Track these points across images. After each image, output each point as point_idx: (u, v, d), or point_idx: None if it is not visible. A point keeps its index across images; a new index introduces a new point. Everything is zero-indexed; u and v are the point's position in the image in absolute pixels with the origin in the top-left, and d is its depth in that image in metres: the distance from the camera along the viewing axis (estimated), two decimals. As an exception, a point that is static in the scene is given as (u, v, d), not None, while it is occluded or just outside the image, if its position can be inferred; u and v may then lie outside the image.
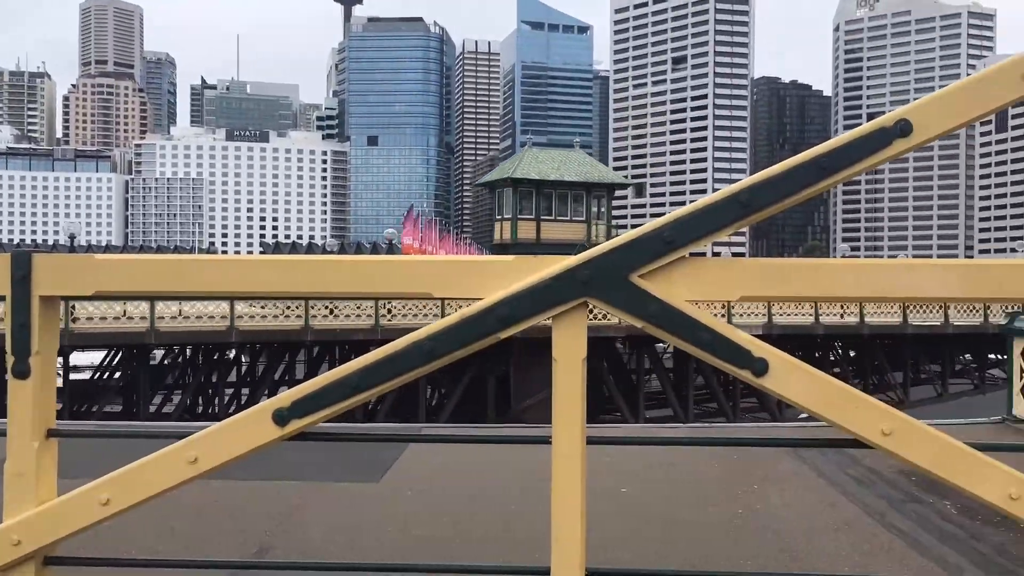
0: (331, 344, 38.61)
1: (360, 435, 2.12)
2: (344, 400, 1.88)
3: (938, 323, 43.10)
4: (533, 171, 52.25)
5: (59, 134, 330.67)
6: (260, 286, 1.97)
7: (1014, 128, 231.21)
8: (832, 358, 46.08)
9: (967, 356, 48.66)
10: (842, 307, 40.35)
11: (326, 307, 33.46)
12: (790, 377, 1.82)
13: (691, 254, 1.85)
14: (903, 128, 1.76)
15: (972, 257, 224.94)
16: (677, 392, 42.68)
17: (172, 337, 32.76)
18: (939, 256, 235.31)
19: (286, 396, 1.90)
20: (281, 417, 1.88)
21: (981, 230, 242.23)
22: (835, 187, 1.84)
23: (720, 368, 1.88)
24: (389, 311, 34.19)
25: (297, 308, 32.88)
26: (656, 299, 1.82)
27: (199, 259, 1.95)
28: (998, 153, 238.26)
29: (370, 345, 35.64)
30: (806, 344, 41.78)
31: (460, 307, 1.94)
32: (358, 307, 34.09)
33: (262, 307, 33.89)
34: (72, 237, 49.20)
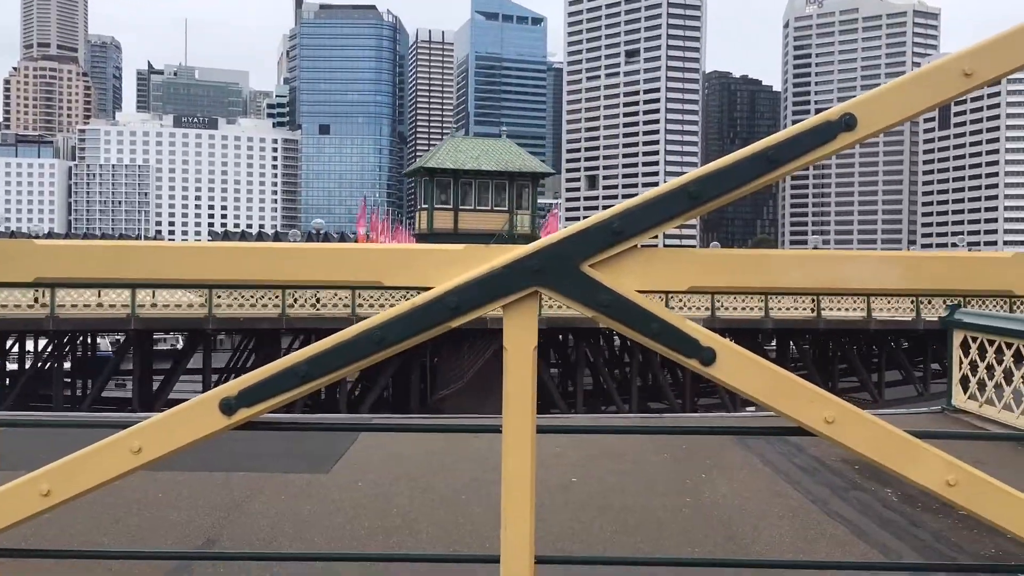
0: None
1: (308, 425, 2.09)
2: (293, 389, 1.86)
3: (908, 318, 40.71)
4: (449, 161, 51.57)
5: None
6: (205, 273, 1.94)
7: (956, 126, 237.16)
8: (791, 355, 45.33)
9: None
10: (797, 300, 40.12)
11: (304, 297, 33.28)
12: (737, 366, 1.85)
13: (644, 245, 1.87)
14: (848, 122, 1.79)
15: (915, 249, 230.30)
16: (622, 389, 42.02)
17: (152, 323, 32.67)
18: (883, 248, 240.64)
19: (233, 384, 1.87)
20: (228, 406, 1.86)
21: (924, 224, 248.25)
22: (783, 181, 1.87)
23: (669, 357, 1.89)
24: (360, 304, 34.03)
25: (275, 297, 32.65)
26: (606, 289, 1.83)
27: (143, 246, 1.91)
28: (941, 150, 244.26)
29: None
30: (754, 338, 39.97)
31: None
32: (335, 295, 33.92)
33: (240, 295, 33.62)
34: (8, 228, 47.81)
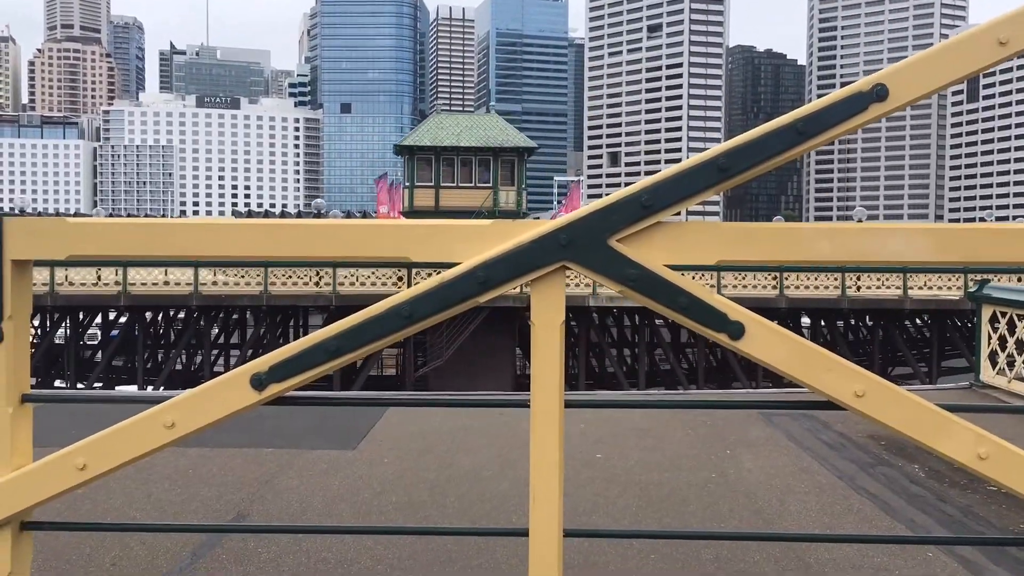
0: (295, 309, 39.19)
1: (337, 400, 2.12)
2: (322, 364, 1.88)
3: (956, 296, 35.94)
4: (427, 138, 50.80)
5: (24, 100, 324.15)
6: (236, 250, 1.96)
7: (985, 98, 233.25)
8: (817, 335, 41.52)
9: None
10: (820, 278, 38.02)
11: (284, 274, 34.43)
12: (765, 340, 1.84)
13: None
14: (879, 92, 1.77)
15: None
16: (629, 374, 40.83)
17: (138, 300, 34.28)
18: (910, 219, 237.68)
19: (263, 360, 1.90)
20: (259, 381, 1.88)
21: (951, 199, 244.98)
22: (808, 155, 1.85)
23: (697, 332, 1.89)
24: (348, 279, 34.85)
25: (257, 275, 34.03)
26: (634, 263, 1.83)
27: (174, 223, 1.93)
28: (969, 123, 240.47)
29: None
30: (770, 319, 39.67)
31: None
32: (317, 273, 34.81)
33: (224, 273, 35.08)
34: (22, 211, 48.79)
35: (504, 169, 51.38)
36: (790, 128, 1.80)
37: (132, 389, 35.08)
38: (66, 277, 32.92)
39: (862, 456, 6.59)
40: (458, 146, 50.65)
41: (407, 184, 51.61)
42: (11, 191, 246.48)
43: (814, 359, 1.84)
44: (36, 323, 35.72)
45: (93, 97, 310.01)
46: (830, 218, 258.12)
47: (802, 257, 1.89)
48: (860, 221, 66.62)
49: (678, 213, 1.90)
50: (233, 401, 1.90)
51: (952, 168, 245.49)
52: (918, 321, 42.22)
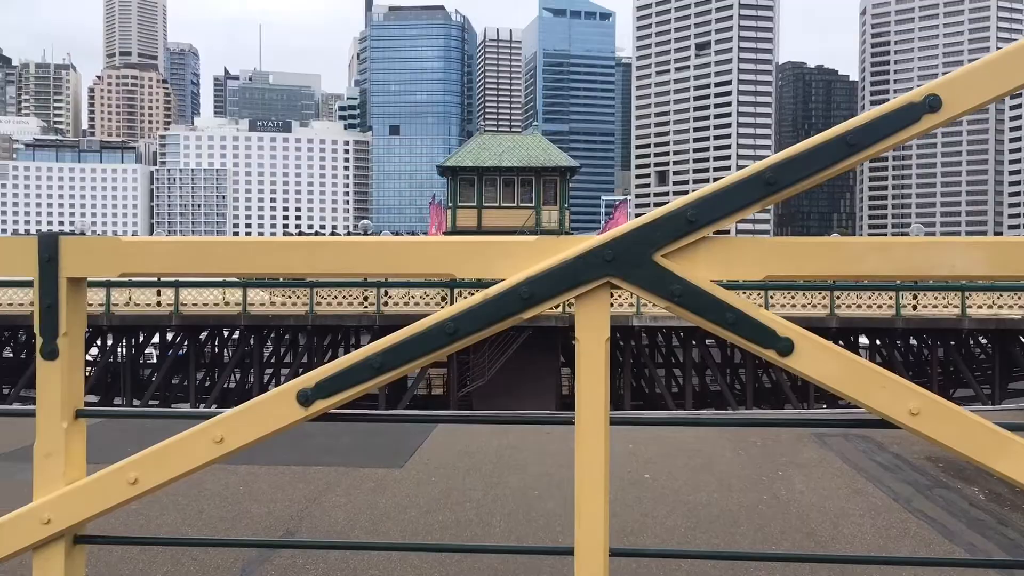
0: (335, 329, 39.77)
1: (383, 417, 2.12)
2: (368, 380, 1.89)
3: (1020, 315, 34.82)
4: (470, 159, 51.20)
5: (84, 125, 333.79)
6: (280, 267, 1.98)
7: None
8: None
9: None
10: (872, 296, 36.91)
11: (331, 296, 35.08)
12: (815, 356, 1.80)
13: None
14: (932, 103, 1.73)
15: (1001, 230, 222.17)
16: (679, 392, 40.39)
17: (188, 319, 35.32)
18: (967, 232, 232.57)
19: (310, 376, 1.91)
20: (305, 397, 1.89)
21: (1011, 216, 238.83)
22: (860, 171, 1.82)
23: (745, 348, 1.86)
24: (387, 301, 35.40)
25: (304, 295, 34.81)
26: (680, 279, 1.81)
27: (219, 240, 1.96)
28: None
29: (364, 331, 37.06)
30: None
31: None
32: (363, 293, 35.36)
33: (271, 293, 36.03)
34: (82, 234, 50.69)
35: (547, 189, 51.47)
36: (840, 140, 1.77)
37: (185, 407, 35.76)
38: (130, 297, 34.11)
39: (919, 478, 6.42)
40: (500, 166, 50.94)
41: (450, 204, 52.05)
42: (71, 214, 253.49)
43: (866, 376, 1.80)
44: (97, 343, 36.80)
45: (150, 122, 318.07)
46: (885, 235, 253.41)
47: (852, 272, 1.85)
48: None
49: (726, 230, 1.87)
50: (280, 417, 1.92)
51: (1012, 184, 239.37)
52: (982, 340, 40.90)
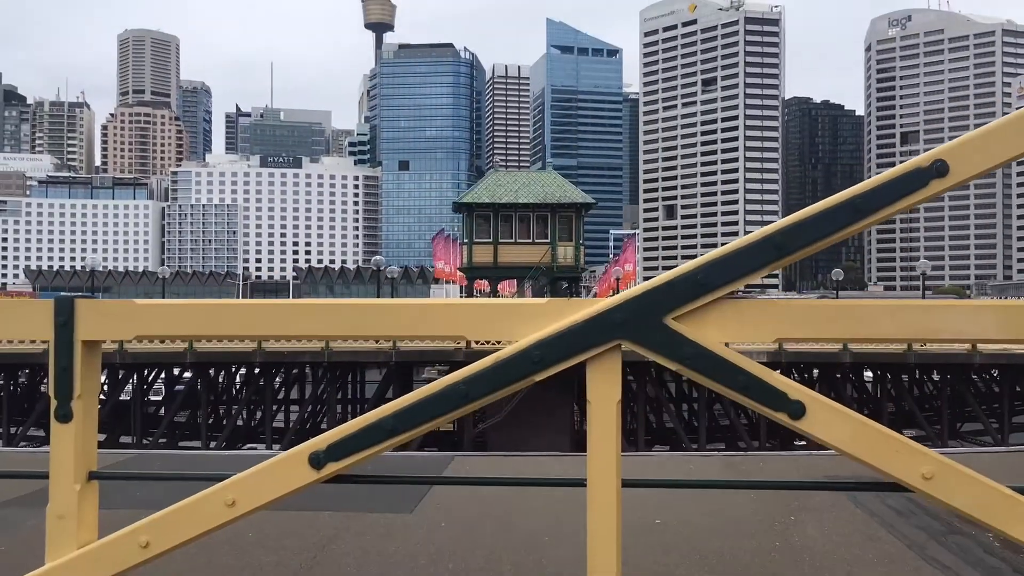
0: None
1: (389, 479, 2.13)
2: (380, 443, 1.90)
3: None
4: (486, 195, 51.80)
5: (97, 162, 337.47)
6: (296, 330, 2.00)
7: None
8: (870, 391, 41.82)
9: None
10: None
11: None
12: (827, 420, 1.81)
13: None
14: (939, 168, 1.75)
15: (1010, 273, 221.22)
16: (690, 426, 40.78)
17: (203, 357, 35.73)
18: (976, 276, 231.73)
19: (322, 439, 1.92)
20: (317, 460, 1.91)
21: (1020, 249, 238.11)
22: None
23: (756, 411, 1.87)
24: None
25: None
26: (691, 342, 1.82)
27: (236, 304, 1.98)
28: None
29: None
30: (832, 374, 38.39)
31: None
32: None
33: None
34: (93, 271, 51.47)
35: (562, 225, 51.89)
36: (848, 204, 1.79)
37: (195, 445, 35.66)
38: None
39: (932, 523, 6.35)
40: (516, 203, 51.33)
41: (465, 240, 52.37)
42: (83, 250, 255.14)
43: (879, 440, 1.80)
44: (103, 379, 36.66)
45: (162, 158, 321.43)
46: (893, 268, 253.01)
47: (863, 336, 1.87)
48: (924, 274, 65.19)
49: (734, 293, 1.89)
50: (292, 480, 1.93)
51: (1020, 208, 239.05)
52: (989, 375, 41.00)
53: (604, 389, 1.87)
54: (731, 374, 1.82)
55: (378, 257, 70.92)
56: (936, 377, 40.08)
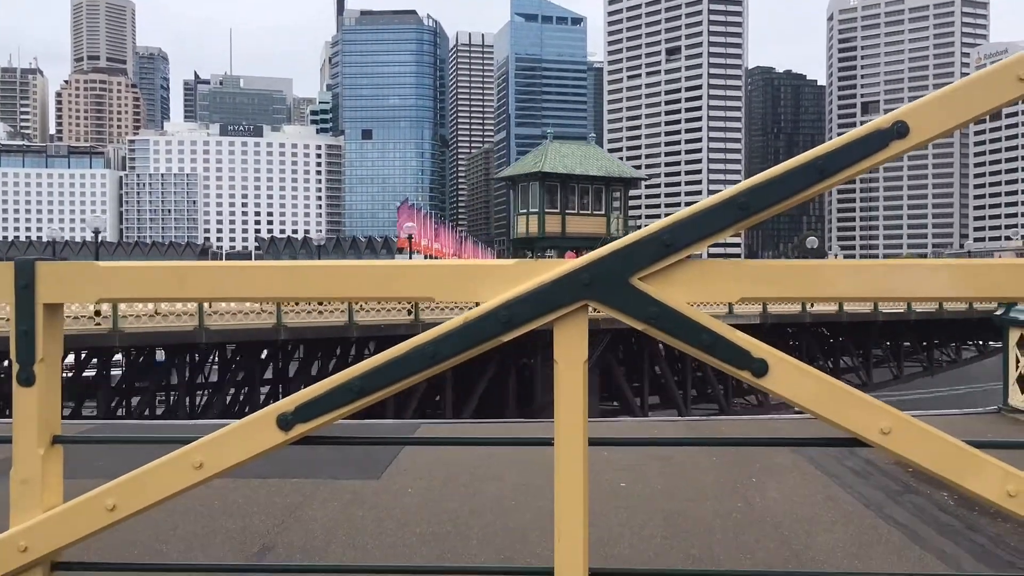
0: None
1: (358, 439, 2.14)
2: (348, 404, 1.90)
3: (932, 309, 48.76)
4: (560, 165, 53.86)
5: (52, 130, 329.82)
6: (266, 292, 1.98)
7: (1008, 116, 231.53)
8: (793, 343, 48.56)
9: (938, 342, 54.95)
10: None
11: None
12: (789, 377, 1.84)
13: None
14: (900, 129, 1.77)
15: (966, 244, 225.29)
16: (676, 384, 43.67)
17: (139, 339, 31.34)
18: (934, 244, 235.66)
19: (290, 401, 1.92)
20: (285, 422, 1.90)
21: (976, 218, 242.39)
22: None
23: (720, 369, 1.89)
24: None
25: (270, 306, 31.70)
26: (656, 301, 1.84)
27: (202, 265, 1.96)
28: (992, 140, 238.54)
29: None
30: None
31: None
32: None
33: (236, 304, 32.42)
34: (97, 231, 50.59)
35: (613, 197, 54.13)
36: (811, 166, 1.81)
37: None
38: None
39: (889, 484, 6.51)
40: (586, 175, 53.69)
41: (532, 210, 54.19)
42: (39, 220, 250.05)
43: (839, 396, 1.83)
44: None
45: (119, 127, 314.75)
46: (853, 237, 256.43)
47: (826, 295, 1.90)
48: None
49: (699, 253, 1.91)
50: (260, 441, 1.92)
51: (976, 179, 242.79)
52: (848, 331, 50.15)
53: (571, 350, 1.88)
54: (696, 333, 1.84)
55: (318, 232, 71.21)
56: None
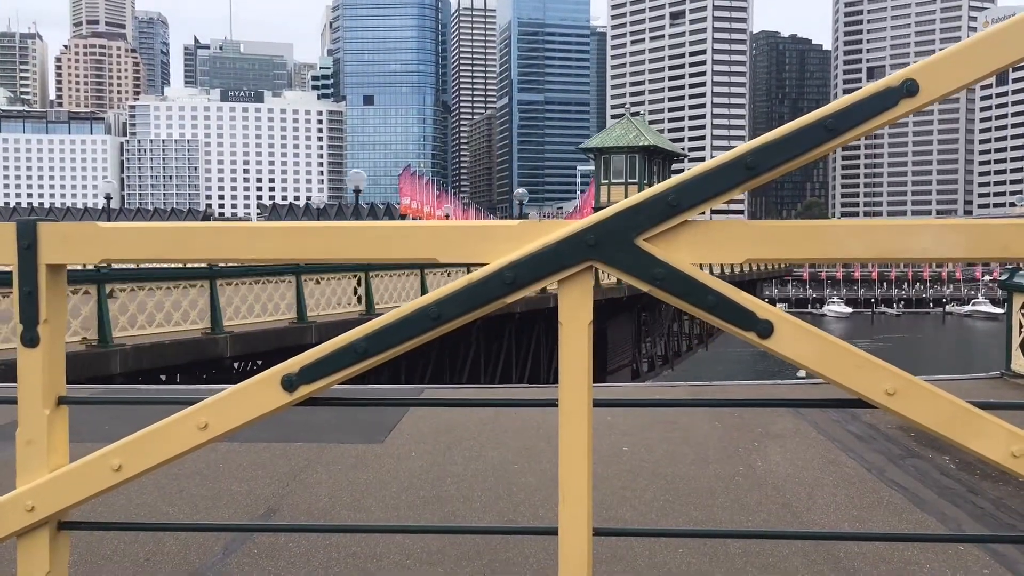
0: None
1: (361, 400, 2.14)
2: (352, 365, 1.90)
3: None
4: (653, 138, 60.38)
5: (52, 96, 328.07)
6: (265, 252, 1.97)
7: (1015, 81, 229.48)
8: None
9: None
10: None
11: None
12: (794, 338, 1.83)
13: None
14: (909, 88, 1.75)
15: (971, 208, 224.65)
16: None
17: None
18: (938, 209, 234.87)
19: (294, 361, 1.91)
20: (290, 383, 1.90)
21: (980, 184, 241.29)
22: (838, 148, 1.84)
23: (725, 330, 1.89)
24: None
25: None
26: (661, 262, 1.82)
27: (205, 226, 1.95)
28: (998, 107, 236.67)
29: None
30: None
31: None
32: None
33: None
34: (108, 197, 50.49)
35: (666, 171, 60.93)
36: (818, 125, 1.79)
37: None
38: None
39: (891, 448, 6.54)
40: (662, 148, 60.18)
41: (631, 180, 58.85)
42: (40, 187, 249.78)
43: (843, 357, 1.83)
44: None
45: (119, 92, 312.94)
46: (857, 204, 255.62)
47: (834, 256, 1.88)
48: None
49: (704, 212, 1.89)
50: (265, 402, 1.92)
51: (982, 144, 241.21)
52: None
53: (576, 310, 1.88)
54: (701, 294, 1.83)
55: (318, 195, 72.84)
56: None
